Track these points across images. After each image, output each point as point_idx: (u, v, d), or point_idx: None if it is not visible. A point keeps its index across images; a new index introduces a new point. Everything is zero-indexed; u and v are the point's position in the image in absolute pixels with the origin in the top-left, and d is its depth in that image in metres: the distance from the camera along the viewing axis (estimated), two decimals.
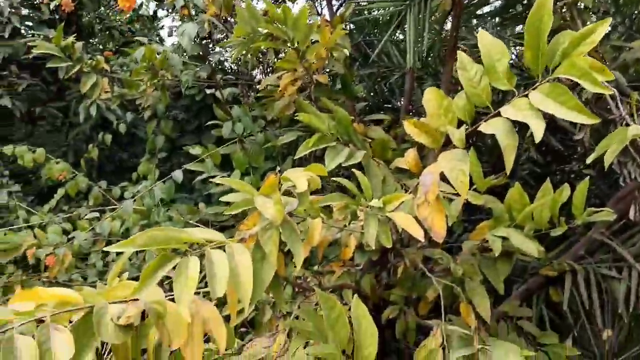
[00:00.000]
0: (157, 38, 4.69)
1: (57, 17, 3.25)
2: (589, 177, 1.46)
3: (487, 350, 1.11)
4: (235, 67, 4.38)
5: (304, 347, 1.00)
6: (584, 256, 1.94)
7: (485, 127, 1.03)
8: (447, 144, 1.17)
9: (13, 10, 2.90)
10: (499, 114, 1.02)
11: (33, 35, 2.73)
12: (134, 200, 2.17)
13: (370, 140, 1.68)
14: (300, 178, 0.90)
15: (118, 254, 2.28)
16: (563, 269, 1.86)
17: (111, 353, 1.02)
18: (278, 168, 2.42)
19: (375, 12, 3.14)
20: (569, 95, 0.92)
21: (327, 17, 2.46)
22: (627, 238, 1.95)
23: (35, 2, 3.15)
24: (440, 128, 1.13)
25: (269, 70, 3.42)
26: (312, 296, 1.41)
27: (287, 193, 0.95)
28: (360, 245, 1.45)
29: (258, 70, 4.44)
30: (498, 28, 3.11)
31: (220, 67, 3.54)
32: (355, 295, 0.95)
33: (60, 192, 2.70)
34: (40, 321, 0.77)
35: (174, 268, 0.77)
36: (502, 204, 1.49)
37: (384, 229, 1.06)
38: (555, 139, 2.29)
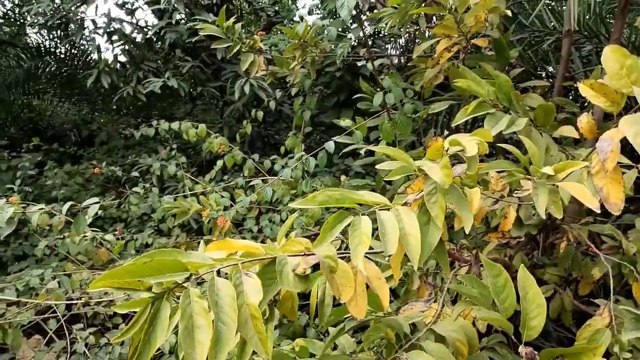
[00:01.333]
0: (299, 18, 4.86)
1: (214, 2, 3.53)
2: None
3: None
4: (371, 42, 4.39)
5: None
6: None
7: None
8: (628, 109, 1.06)
9: None
10: None
11: (194, 20, 3.01)
12: (292, 170, 2.30)
13: (528, 109, 1.58)
14: (469, 142, 0.89)
15: (277, 220, 2.45)
16: None
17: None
18: (422, 141, 2.40)
19: None
20: None
21: None
22: None
23: None
24: (622, 89, 1.02)
25: (410, 44, 3.36)
26: (462, 269, 1.39)
27: (453, 156, 0.94)
28: (518, 218, 1.39)
29: (392, 46, 4.40)
30: None
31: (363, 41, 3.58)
32: (522, 264, 0.92)
33: (219, 163, 2.98)
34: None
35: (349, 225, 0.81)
36: None
37: (555, 199, 1.00)
38: None
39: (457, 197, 0.88)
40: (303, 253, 0.94)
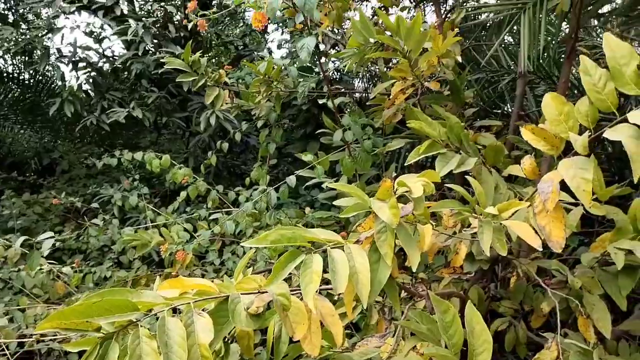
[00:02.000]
0: (267, 51, 4.95)
1: (182, 34, 3.57)
2: None
3: None
4: (339, 76, 4.50)
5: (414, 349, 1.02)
6: None
7: (611, 134, 0.98)
8: (567, 151, 1.13)
9: (145, 31, 3.24)
10: (625, 120, 0.97)
11: (161, 52, 3.04)
12: (254, 203, 2.32)
13: (481, 147, 1.66)
14: (416, 183, 0.93)
15: (240, 252, 2.44)
16: None
17: (234, 340, 1.12)
18: (383, 175, 2.46)
19: (484, 16, 3.07)
20: None
21: (433, 21, 2.47)
22: None
23: (163, 21, 3.50)
24: (560, 134, 1.10)
25: (375, 79, 3.47)
26: (420, 302, 1.43)
27: (401, 198, 0.99)
28: (470, 253, 1.44)
29: (359, 79, 4.52)
30: (621, 27, 2.88)
31: (327, 77, 3.67)
32: (469, 300, 0.96)
33: (183, 195, 2.96)
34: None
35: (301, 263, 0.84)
36: (626, 215, 1.40)
37: (499, 237, 1.05)
38: None
39: (404, 235, 0.92)
40: (257, 291, 0.96)
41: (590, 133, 1.07)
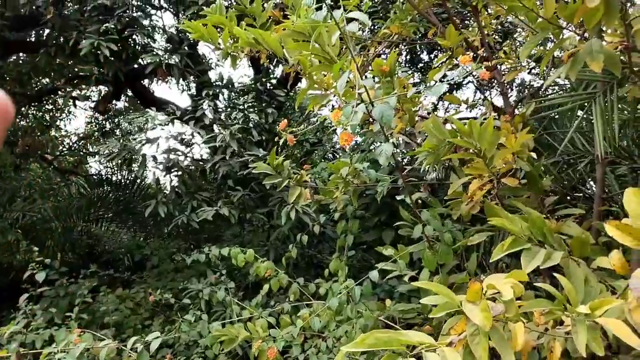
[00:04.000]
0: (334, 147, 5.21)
1: (263, 138, 3.90)
2: None
3: None
4: (411, 166, 4.62)
5: None
6: None
7: None
8: None
9: (230, 137, 3.59)
10: None
11: (245, 155, 3.32)
12: (338, 297, 2.38)
13: (566, 237, 1.65)
14: (505, 285, 0.97)
15: (323, 347, 2.47)
16: None
17: None
18: (464, 265, 2.45)
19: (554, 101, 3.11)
20: None
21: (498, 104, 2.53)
22: None
23: (247, 127, 3.86)
24: None
25: (446, 169, 3.54)
26: None
27: (492, 299, 1.02)
28: (566, 351, 1.39)
29: (433, 167, 4.61)
30: None
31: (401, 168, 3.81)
32: None
33: (266, 288, 3.07)
34: None
35: None
36: None
37: (594, 336, 1.04)
38: None
39: (498, 338, 0.95)
40: None
41: None
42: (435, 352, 0.93)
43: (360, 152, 4.38)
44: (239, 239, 4.75)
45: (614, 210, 2.57)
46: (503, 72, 2.96)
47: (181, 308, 3.42)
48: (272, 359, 2.20)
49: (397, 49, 4.49)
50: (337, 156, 5.61)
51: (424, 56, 7.01)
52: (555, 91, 3.84)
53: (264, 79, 4.99)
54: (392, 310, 2.49)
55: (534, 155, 1.77)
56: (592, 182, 3.25)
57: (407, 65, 6.97)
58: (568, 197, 3.01)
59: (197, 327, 3.01)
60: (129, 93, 7.69)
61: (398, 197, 2.35)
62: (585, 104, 2.26)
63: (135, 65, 5.26)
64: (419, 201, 2.36)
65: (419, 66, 6.93)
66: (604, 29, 1.79)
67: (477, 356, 0.92)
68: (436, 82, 1.84)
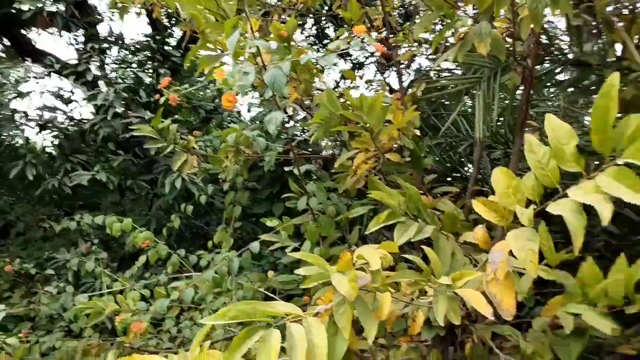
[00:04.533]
0: (237, 113, 5.06)
1: (152, 99, 3.64)
2: None
3: None
4: (308, 140, 4.61)
5: None
6: None
7: (553, 208, 1.05)
8: (516, 221, 1.20)
9: (115, 96, 3.29)
10: (566, 195, 1.04)
11: (130, 116, 3.07)
12: (215, 269, 2.30)
13: (439, 213, 1.72)
14: (374, 256, 0.97)
15: (199, 319, 2.38)
16: None
17: None
18: (347, 237, 2.49)
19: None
20: (636, 179, 0.94)
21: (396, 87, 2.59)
22: None
23: (134, 87, 3.57)
24: (508, 207, 1.16)
25: (340, 145, 3.59)
26: None
27: (362, 269, 1.01)
28: (428, 320, 1.46)
29: (327, 143, 4.65)
30: (571, 97, 3.10)
31: (294, 141, 3.77)
32: None
33: (142, 259, 2.89)
34: None
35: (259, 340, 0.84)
36: (575, 278, 1.46)
37: (453, 306, 1.08)
38: (632, 209, 2.21)
39: (362, 308, 0.94)
40: None
41: (535, 207, 1.14)
42: (300, 323, 0.90)
43: (259, 122, 4.28)
44: (119, 207, 4.44)
45: (486, 191, 2.77)
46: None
47: (45, 279, 3.12)
48: (138, 332, 2.07)
49: (301, 18, 4.41)
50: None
51: (330, 32, 7.01)
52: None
53: (158, 37, 4.65)
54: (274, 281, 2.48)
55: (417, 132, 1.82)
56: (470, 164, 3.48)
57: (313, 40, 6.93)
58: (448, 178, 3.19)
59: (60, 299, 2.77)
60: (5, 42, 6.79)
61: (287, 169, 2.32)
62: (472, 90, 2.37)
63: (13, 10, 4.62)
64: (311, 174, 2.35)
65: (324, 42, 6.93)
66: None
67: (341, 326, 0.91)
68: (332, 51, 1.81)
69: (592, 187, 0.98)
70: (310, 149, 3.58)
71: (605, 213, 0.92)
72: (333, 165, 2.35)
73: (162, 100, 1.99)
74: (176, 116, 5.07)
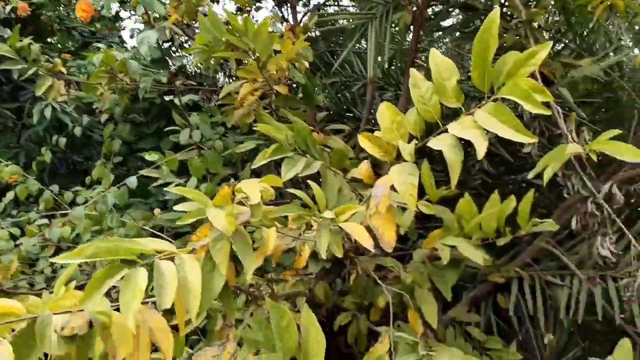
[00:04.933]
0: (118, 39, 4.59)
1: (14, 16, 3.14)
2: (533, 189, 1.54)
3: (432, 356, 1.15)
4: (199, 72, 4.34)
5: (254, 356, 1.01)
6: (530, 264, 2.02)
7: (434, 143, 1.07)
8: (400, 157, 1.21)
9: None
10: (446, 131, 1.06)
11: None
12: (86, 206, 2.12)
13: (329, 150, 1.71)
14: (253, 189, 0.92)
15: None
16: (510, 275, 1.94)
17: None
18: (239, 174, 2.42)
19: (340, 22, 3.19)
20: (511, 115, 0.97)
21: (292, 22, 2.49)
22: (571, 247, 2.05)
23: None
24: (392, 142, 1.17)
25: (232, 76, 3.41)
26: (265, 304, 1.42)
27: (242, 203, 0.96)
28: (314, 253, 1.47)
29: (221, 76, 4.42)
30: (458, 42, 3.20)
31: (182, 71, 3.51)
32: (305, 303, 0.97)
33: (10, 195, 2.60)
34: None
35: (122, 278, 0.77)
36: (453, 213, 1.55)
37: (336, 239, 1.08)
38: (507, 150, 2.38)
39: (241, 244, 0.90)
40: (77, 309, 0.86)
41: (417, 142, 1.15)
42: (172, 260, 0.84)
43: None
44: None
45: (376, 131, 2.83)
46: None
47: None
48: (7, 270, 1.88)
49: None
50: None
51: None
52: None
53: None
54: (160, 219, 2.36)
55: (307, 65, 1.76)
56: (363, 105, 3.52)
57: None
58: (341, 118, 3.21)
59: None
60: None
61: (167, 98, 2.15)
62: (364, 25, 2.33)
63: None
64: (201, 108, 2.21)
65: None
66: None
67: (218, 262, 0.86)
68: None
69: (470, 122, 1.00)
70: (204, 83, 3.37)
71: (481, 148, 0.94)
72: (217, 102, 2.22)
73: (7, 8, 1.70)
74: (50, 39, 4.49)
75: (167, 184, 2.56)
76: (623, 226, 1.58)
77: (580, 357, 1.91)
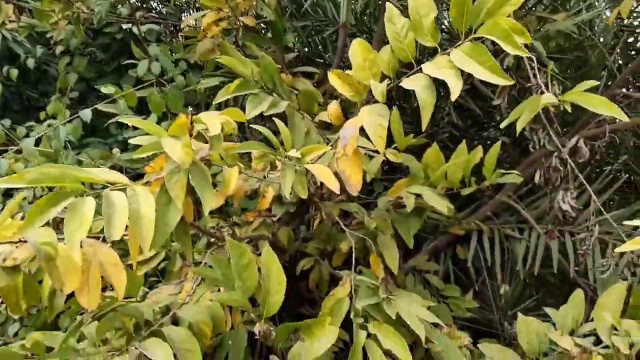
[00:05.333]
0: None
1: None
2: (500, 141, 1.53)
3: (392, 299, 1.16)
4: (163, 7, 4.09)
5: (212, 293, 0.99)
6: (490, 217, 2.05)
7: (407, 83, 1.03)
8: (371, 99, 1.17)
9: None
10: (420, 71, 1.02)
11: None
12: (39, 139, 2.00)
13: (297, 92, 1.65)
14: (213, 120, 0.86)
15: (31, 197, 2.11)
16: (470, 228, 1.97)
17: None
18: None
19: None
20: (488, 56, 0.94)
21: None
22: (531, 202, 2.09)
23: None
24: (364, 81, 1.12)
25: (199, 8, 3.23)
26: (226, 246, 1.39)
27: (202, 138, 0.90)
28: (279, 196, 1.44)
29: (187, 15, 4.19)
30: None
31: (144, 6, 3.30)
32: (266, 243, 0.94)
33: None
34: None
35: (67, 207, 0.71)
36: (420, 163, 1.53)
37: (301, 180, 1.04)
38: (476, 105, 2.37)
39: (198, 177, 0.85)
40: (18, 239, 0.80)
41: (389, 81, 1.11)
42: (125, 192, 0.78)
43: None
44: None
45: None
46: None
47: None
48: None
49: None
50: None
51: None
52: None
53: None
54: (119, 159, 2.26)
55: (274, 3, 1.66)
56: (334, 53, 3.42)
57: None
58: (311, 62, 3.11)
59: None
60: None
61: (125, 26, 2.01)
62: None
63: None
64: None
65: None
66: None
67: (174, 195, 0.81)
68: None
69: (445, 61, 0.96)
70: (168, 20, 3.17)
71: (456, 88, 0.91)
72: (179, 34, 2.09)
73: None
74: None
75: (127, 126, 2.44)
76: (585, 182, 1.61)
77: (534, 307, 1.98)
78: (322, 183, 1.36)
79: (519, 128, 1.17)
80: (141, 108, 2.28)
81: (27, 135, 2.41)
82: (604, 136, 1.85)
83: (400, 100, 2.67)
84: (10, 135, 2.48)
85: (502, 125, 1.19)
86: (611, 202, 2.27)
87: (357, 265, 1.41)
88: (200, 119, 0.86)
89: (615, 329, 1.01)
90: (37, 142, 2.35)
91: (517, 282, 2.07)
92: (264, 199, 1.28)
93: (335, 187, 1.04)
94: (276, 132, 1.25)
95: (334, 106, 1.20)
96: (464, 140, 1.51)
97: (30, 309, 1.99)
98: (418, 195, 1.46)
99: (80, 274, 0.76)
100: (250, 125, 1.22)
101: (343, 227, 1.35)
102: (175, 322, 0.95)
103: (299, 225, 1.93)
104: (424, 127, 0.98)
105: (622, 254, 1.62)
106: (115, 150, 2.43)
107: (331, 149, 1.17)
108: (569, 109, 1.09)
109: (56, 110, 2.45)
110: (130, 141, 1.10)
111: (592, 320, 1.19)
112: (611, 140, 1.88)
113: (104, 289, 0.92)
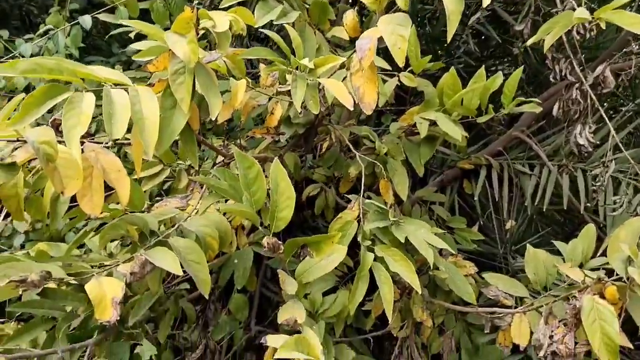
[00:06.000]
0: None
1: None
2: (522, 67, 1.45)
3: (400, 224, 1.13)
4: None
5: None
6: (501, 152, 2.00)
7: None
8: (391, 8, 1.08)
9: None
10: None
11: None
12: (39, 47, 1.91)
13: (308, 6, 1.54)
14: (220, 17, 0.79)
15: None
16: (479, 162, 1.92)
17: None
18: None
19: None
20: None
21: None
22: (544, 138, 2.03)
23: None
24: None
25: None
26: (232, 164, 1.35)
27: (207, 31, 0.83)
28: (287, 117, 1.38)
29: None
30: None
31: None
32: (276, 157, 0.90)
33: None
34: None
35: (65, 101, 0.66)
36: (435, 88, 1.46)
37: (313, 93, 0.98)
38: (496, 32, 2.26)
39: (205, 79, 0.79)
40: (16, 139, 0.76)
41: None
42: (124, 91, 0.73)
43: None
44: None
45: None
46: None
47: None
48: None
49: None
50: None
51: None
52: None
53: None
54: None
55: None
56: None
57: None
58: None
59: None
60: None
61: None
62: None
63: None
64: None
65: None
66: None
67: (179, 98, 0.75)
68: None
69: None
70: None
71: None
72: None
73: None
74: None
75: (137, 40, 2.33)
76: (605, 116, 1.54)
77: (538, 244, 1.97)
78: (332, 104, 1.31)
79: (546, 46, 1.09)
80: (143, 20, 2.17)
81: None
82: (629, 69, 1.76)
83: (417, 26, 2.55)
84: (8, 47, 2.39)
85: (529, 42, 1.11)
86: (626, 145, 2.21)
87: (365, 192, 1.38)
88: (206, 13, 0.79)
89: (630, 261, 0.99)
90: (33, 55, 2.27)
91: (524, 217, 2.05)
92: (272, 116, 1.23)
93: (349, 103, 0.99)
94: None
95: (350, 15, 1.11)
96: (482, 66, 1.43)
97: (35, 223, 1.99)
98: (432, 122, 1.40)
99: (81, 175, 0.72)
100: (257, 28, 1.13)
101: (353, 150, 1.30)
102: (181, 234, 0.92)
103: (306, 153, 1.88)
104: (449, 37, 0.90)
105: (636, 192, 1.58)
106: (117, 67, 2.35)
107: (343, 60, 1.10)
108: (603, 25, 1.00)
109: (56, 23, 2.34)
110: (132, 45, 1.03)
111: (601, 255, 1.17)
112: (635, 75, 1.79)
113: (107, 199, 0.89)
